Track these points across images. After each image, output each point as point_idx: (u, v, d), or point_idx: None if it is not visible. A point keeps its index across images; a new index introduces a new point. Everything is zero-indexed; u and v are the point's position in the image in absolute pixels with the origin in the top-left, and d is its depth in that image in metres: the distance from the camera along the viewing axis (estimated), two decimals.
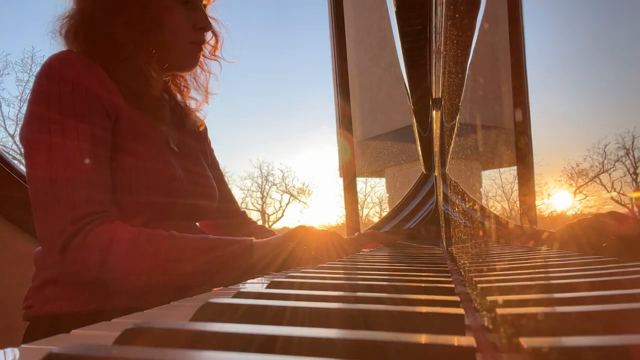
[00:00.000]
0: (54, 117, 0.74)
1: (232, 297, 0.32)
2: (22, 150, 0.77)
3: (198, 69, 1.03)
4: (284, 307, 0.27)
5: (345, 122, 2.08)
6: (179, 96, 1.03)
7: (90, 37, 0.84)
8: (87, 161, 0.74)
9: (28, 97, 0.79)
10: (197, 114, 1.07)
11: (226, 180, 1.16)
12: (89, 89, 0.77)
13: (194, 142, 1.03)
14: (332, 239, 0.89)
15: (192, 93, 1.05)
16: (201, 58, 0.98)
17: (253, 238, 0.82)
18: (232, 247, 0.78)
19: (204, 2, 0.95)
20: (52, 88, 0.76)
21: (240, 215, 1.18)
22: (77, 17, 0.86)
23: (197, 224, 1.02)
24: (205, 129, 1.11)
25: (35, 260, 0.84)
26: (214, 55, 1.02)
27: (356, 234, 1.40)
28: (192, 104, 1.06)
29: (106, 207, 0.76)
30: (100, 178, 0.76)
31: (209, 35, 0.98)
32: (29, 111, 0.77)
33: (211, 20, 0.95)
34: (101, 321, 0.31)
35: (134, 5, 0.85)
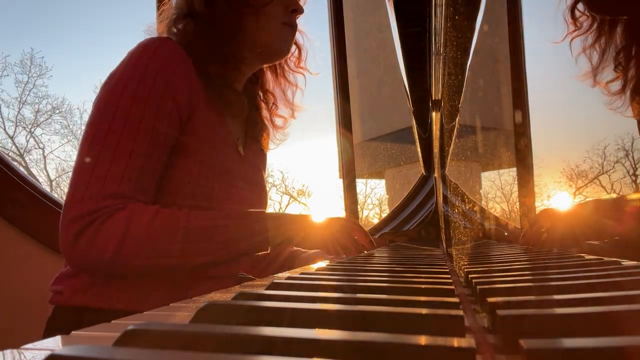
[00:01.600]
0: (125, 101, 0.74)
1: (233, 299, 0.32)
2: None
3: (285, 83, 1.03)
4: (284, 309, 0.27)
5: (345, 123, 2.08)
6: (265, 113, 1.04)
7: (187, 22, 0.85)
8: (135, 156, 0.74)
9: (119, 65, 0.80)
10: (281, 132, 1.08)
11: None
12: (170, 83, 0.77)
13: (258, 149, 1.04)
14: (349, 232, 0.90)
15: (280, 111, 1.05)
16: (286, 69, 0.98)
17: (264, 211, 0.84)
18: (247, 242, 0.79)
19: None
20: (136, 71, 0.76)
21: None
22: (177, 9, 0.87)
23: None
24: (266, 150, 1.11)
25: None
26: (300, 67, 1.03)
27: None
28: (278, 122, 1.06)
29: (133, 201, 0.75)
30: (142, 177, 0.75)
31: (292, 48, 0.98)
32: (111, 81, 0.77)
33: (297, 33, 0.95)
34: None
35: None
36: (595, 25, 0.80)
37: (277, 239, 0.80)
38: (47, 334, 0.80)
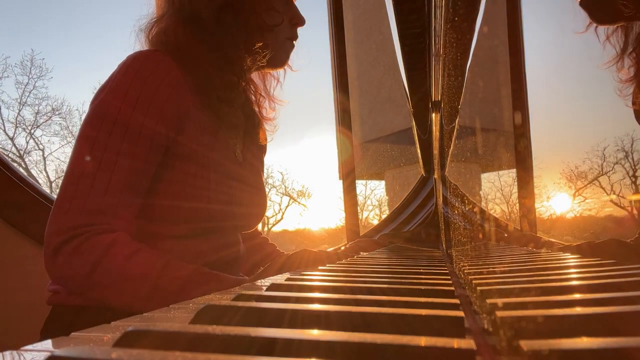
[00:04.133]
0: (110, 117, 0.74)
1: (232, 300, 0.32)
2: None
3: (269, 76, 1.02)
4: (284, 310, 0.27)
5: (344, 124, 2.08)
6: (254, 102, 1.03)
7: (189, 42, 0.83)
8: (119, 171, 0.73)
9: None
10: (269, 124, 1.06)
11: None
12: (158, 94, 0.76)
13: (257, 152, 1.03)
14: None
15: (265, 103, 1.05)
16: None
17: (245, 277, 0.78)
18: (222, 284, 0.73)
19: None
20: (122, 86, 0.76)
21: (259, 237, 1.18)
22: (177, 19, 0.85)
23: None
24: (266, 142, 1.10)
25: None
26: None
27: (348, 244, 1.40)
28: (266, 114, 1.05)
29: (118, 220, 0.73)
30: (127, 192, 0.74)
31: None
32: (98, 97, 0.77)
33: None
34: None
35: (241, 7, 0.85)
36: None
37: None
38: (45, 334, 0.80)
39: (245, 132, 0.97)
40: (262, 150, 1.08)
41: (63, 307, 0.80)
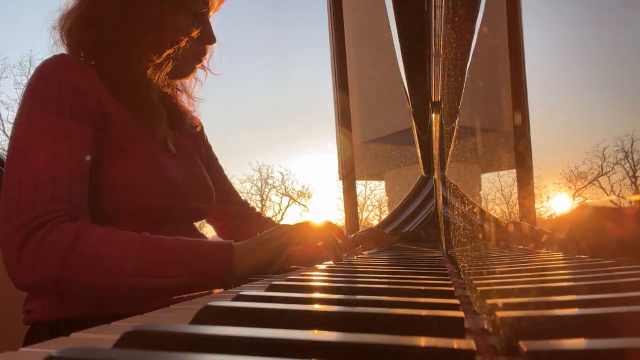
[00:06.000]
0: (35, 116, 0.73)
1: (232, 300, 0.32)
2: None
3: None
4: (284, 310, 0.27)
5: (344, 124, 2.08)
6: (172, 95, 1.03)
7: (94, 42, 0.83)
8: (60, 162, 0.71)
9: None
10: (192, 113, 1.07)
11: (225, 174, 1.17)
12: (76, 91, 0.76)
13: (191, 142, 1.03)
14: (327, 233, 0.83)
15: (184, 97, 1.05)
16: None
17: (232, 241, 0.76)
18: (209, 258, 0.72)
19: (210, 13, 0.94)
20: (39, 89, 0.76)
21: (243, 205, 1.18)
22: (82, 19, 0.85)
23: (198, 224, 1.02)
24: (202, 127, 1.10)
25: None
26: (202, 66, 1.00)
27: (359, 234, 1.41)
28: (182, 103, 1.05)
29: (74, 208, 0.71)
30: (73, 181, 0.72)
31: None
32: (18, 111, 0.77)
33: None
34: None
35: (145, 15, 0.84)
36: None
37: (243, 265, 0.74)
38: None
39: (171, 124, 0.97)
40: (199, 140, 1.08)
41: (40, 325, 0.79)
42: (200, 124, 1.09)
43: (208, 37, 0.92)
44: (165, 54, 0.86)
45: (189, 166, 0.96)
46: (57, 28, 0.87)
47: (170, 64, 0.88)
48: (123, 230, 0.72)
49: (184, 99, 1.03)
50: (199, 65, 0.96)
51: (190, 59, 0.92)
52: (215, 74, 1.04)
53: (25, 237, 0.67)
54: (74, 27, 0.85)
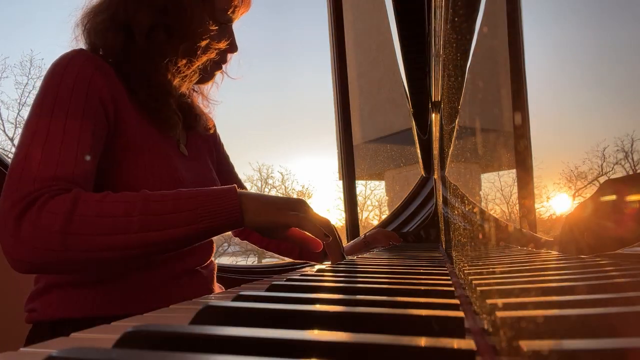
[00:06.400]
0: (48, 102, 0.74)
1: (232, 300, 0.32)
2: None
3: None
4: (284, 310, 0.27)
5: (345, 124, 2.09)
6: (188, 97, 1.03)
7: (122, 47, 0.83)
8: (68, 145, 0.71)
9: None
10: (207, 115, 1.07)
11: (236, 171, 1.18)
12: (92, 83, 0.77)
13: (203, 144, 1.03)
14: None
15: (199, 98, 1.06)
16: None
17: (235, 185, 0.75)
18: (216, 200, 0.71)
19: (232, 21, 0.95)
20: (55, 79, 0.76)
21: None
22: (112, 22, 0.85)
23: None
24: (215, 128, 1.10)
25: None
26: (220, 70, 1.02)
27: (367, 233, 1.41)
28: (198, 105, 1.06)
29: (76, 186, 0.70)
30: (79, 162, 0.72)
31: None
32: (34, 99, 0.77)
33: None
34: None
35: (176, 26, 0.85)
36: None
37: (252, 206, 0.72)
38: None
39: (186, 125, 0.97)
40: (210, 140, 1.08)
41: (42, 324, 0.79)
42: (214, 125, 1.09)
43: (231, 47, 0.93)
44: (195, 65, 0.87)
45: (200, 168, 0.96)
46: (79, 25, 0.87)
47: (197, 74, 0.89)
48: None
49: (199, 100, 1.04)
50: (219, 72, 0.97)
51: (213, 66, 0.93)
52: (233, 77, 1.04)
53: (22, 210, 0.64)
54: (102, 28, 0.85)
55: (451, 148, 0.86)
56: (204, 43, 0.87)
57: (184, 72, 0.86)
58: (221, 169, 1.09)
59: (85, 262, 0.66)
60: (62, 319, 0.77)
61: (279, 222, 0.73)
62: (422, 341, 0.19)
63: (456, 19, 0.48)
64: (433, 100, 0.88)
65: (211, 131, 1.07)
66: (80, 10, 0.88)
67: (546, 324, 0.21)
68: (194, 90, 1.03)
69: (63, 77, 0.76)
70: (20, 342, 0.82)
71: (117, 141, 0.80)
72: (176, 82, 0.87)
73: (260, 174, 13.15)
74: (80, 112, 0.75)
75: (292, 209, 0.75)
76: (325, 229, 0.75)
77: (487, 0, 0.47)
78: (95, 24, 0.85)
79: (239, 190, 0.73)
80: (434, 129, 1.04)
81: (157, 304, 0.48)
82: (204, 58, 0.88)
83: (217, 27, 0.89)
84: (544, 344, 0.17)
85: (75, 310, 0.78)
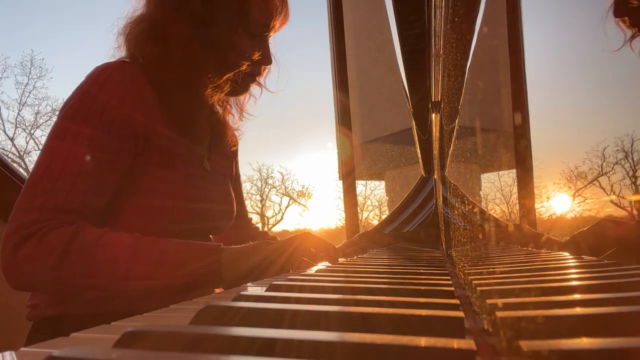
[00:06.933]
0: (74, 125, 0.74)
1: (232, 300, 0.32)
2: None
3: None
4: (284, 310, 0.27)
5: (344, 124, 2.09)
6: (220, 111, 1.03)
7: (158, 57, 0.84)
8: (83, 175, 0.72)
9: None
10: (234, 132, 1.07)
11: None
12: (124, 105, 0.77)
13: (225, 160, 1.03)
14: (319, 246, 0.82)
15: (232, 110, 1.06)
16: None
17: (221, 244, 0.76)
18: (196, 269, 0.72)
19: (270, 34, 0.95)
20: (88, 96, 0.76)
21: (248, 227, 1.19)
22: (150, 31, 0.85)
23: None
24: (237, 147, 1.10)
25: None
26: (257, 82, 1.01)
27: (356, 236, 1.41)
28: (229, 120, 1.06)
29: (82, 218, 0.72)
30: (91, 194, 0.73)
31: None
32: (66, 105, 0.78)
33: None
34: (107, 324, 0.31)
35: (211, 37, 0.85)
36: None
37: (233, 272, 0.73)
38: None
39: (213, 141, 0.97)
40: (231, 157, 1.08)
41: (43, 320, 0.79)
42: (237, 145, 1.09)
43: (265, 59, 0.93)
44: (226, 76, 0.87)
45: (220, 185, 0.97)
46: (122, 34, 0.87)
47: (228, 85, 0.89)
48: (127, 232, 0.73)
49: (234, 112, 1.04)
50: (254, 84, 0.97)
51: (246, 78, 0.93)
52: (271, 91, 1.04)
53: (23, 238, 0.68)
54: (141, 38, 0.85)
55: (451, 148, 0.87)
56: (236, 54, 0.87)
57: (215, 83, 0.87)
58: (234, 189, 1.10)
59: (72, 294, 0.73)
60: (64, 315, 0.78)
61: (263, 278, 0.74)
62: (422, 341, 0.19)
63: (456, 19, 0.48)
64: (433, 100, 0.88)
65: (234, 148, 1.07)
66: (123, 19, 0.89)
67: (546, 323, 0.21)
68: (228, 103, 1.03)
69: (97, 98, 0.76)
70: (21, 340, 0.82)
71: (143, 154, 0.81)
72: (207, 92, 0.87)
73: (260, 174, 13.15)
74: (105, 143, 0.75)
75: (283, 261, 0.76)
76: (330, 259, 0.78)
77: (487, 0, 0.47)
78: (136, 34, 0.86)
79: (224, 247, 0.75)
80: (434, 129, 1.04)
81: (158, 302, 0.48)
82: (236, 69, 0.88)
83: (251, 39, 0.89)
84: (544, 344, 0.17)
85: (78, 306, 0.78)
